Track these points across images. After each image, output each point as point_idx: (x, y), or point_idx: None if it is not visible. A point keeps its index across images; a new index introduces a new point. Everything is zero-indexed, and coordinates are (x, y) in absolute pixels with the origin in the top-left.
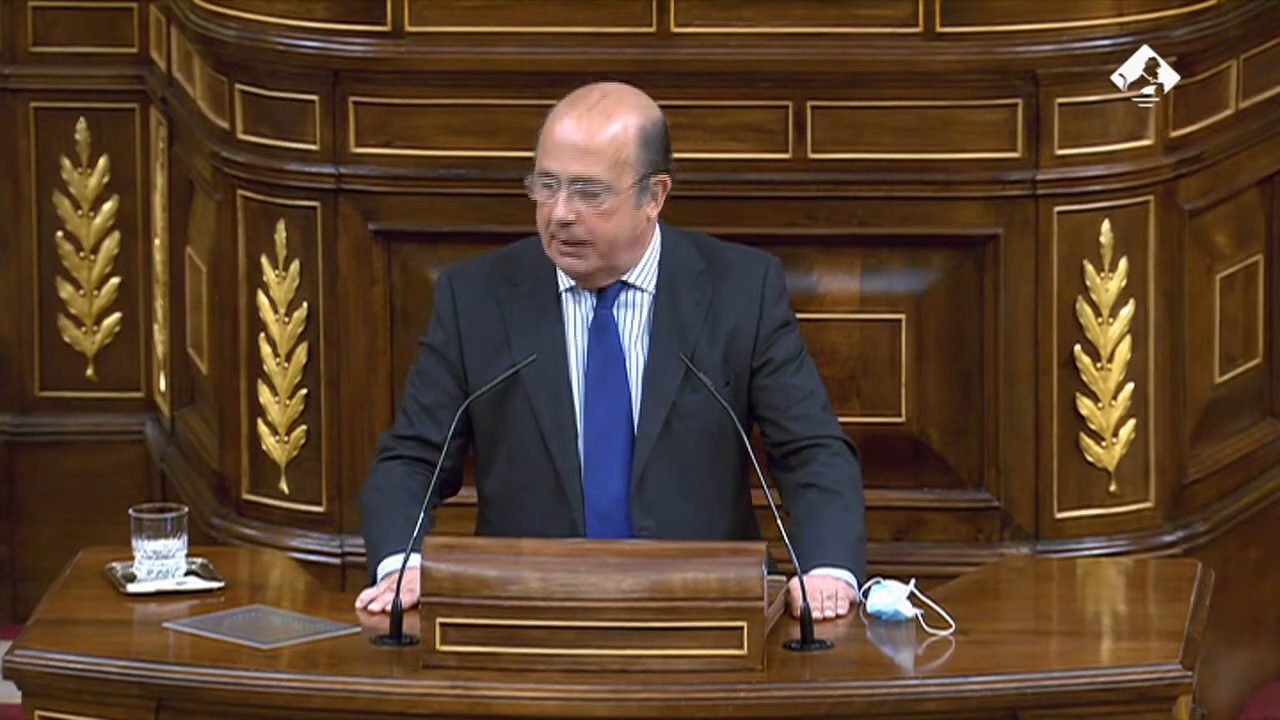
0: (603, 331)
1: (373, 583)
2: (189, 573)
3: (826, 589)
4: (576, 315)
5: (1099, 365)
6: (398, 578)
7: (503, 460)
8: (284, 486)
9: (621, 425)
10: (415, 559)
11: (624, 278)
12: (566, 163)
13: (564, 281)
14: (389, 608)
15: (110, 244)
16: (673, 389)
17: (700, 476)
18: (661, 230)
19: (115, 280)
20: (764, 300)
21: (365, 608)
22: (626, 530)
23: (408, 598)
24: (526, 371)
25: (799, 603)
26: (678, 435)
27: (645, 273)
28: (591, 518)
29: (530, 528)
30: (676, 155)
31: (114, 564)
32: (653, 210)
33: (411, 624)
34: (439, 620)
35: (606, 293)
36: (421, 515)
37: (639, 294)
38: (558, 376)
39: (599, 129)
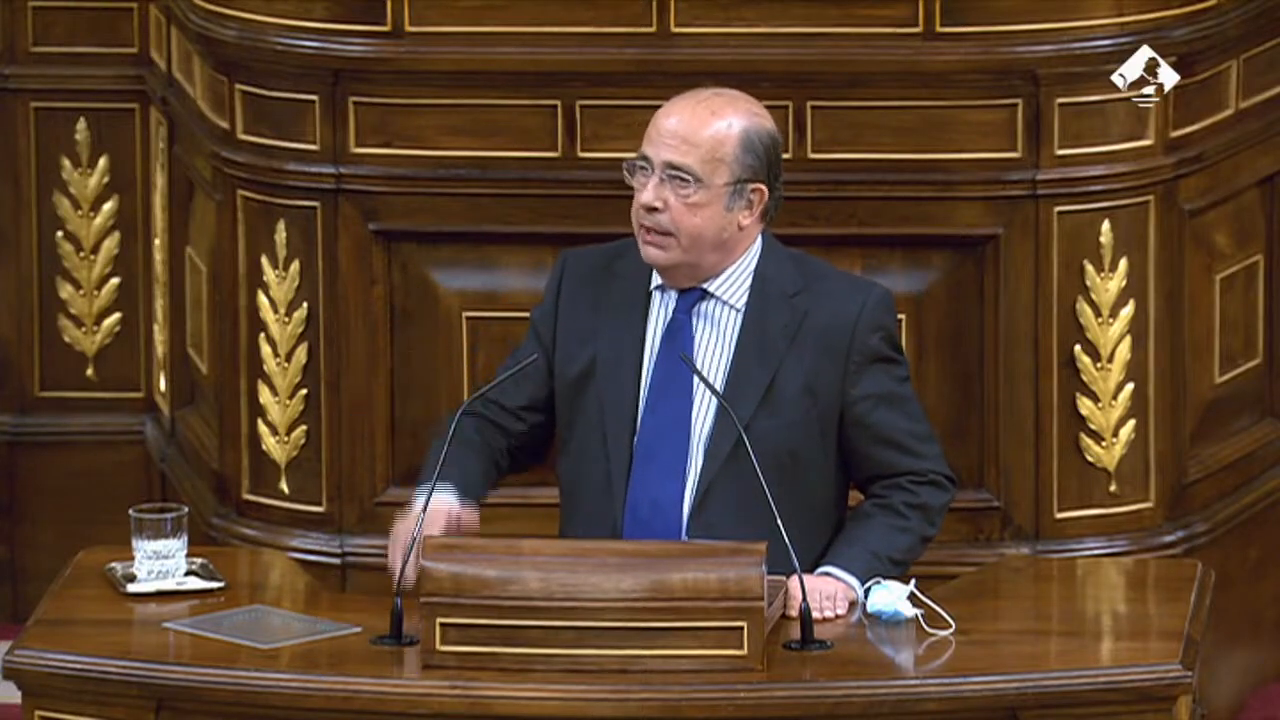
0: (675, 336)
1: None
2: (189, 573)
3: (825, 589)
4: (659, 315)
5: (1099, 365)
6: (409, 540)
7: (573, 449)
8: (284, 486)
9: (678, 434)
10: (443, 498)
11: (706, 286)
12: (662, 149)
13: (655, 279)
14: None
15: (110, 244)
16: (749, 411)
17: (762, 503)
18: (765, 246)
19: (115, 280)
20: (855, 330)
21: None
22: (669, 540)
23: (430, 530)
24: (602, 363)
25: (798, 602)
26: (747, 457)
27: (733, 287)
28: (629, 520)
29: (580, 521)
30: None
31: (114, 564)
32: (745, 219)
33: (411, 624)
34: (439, 620)
35: (686, 297)
36: (471, 461)
37: (723, 308)
38: (628, 373)
39: (702, 122)
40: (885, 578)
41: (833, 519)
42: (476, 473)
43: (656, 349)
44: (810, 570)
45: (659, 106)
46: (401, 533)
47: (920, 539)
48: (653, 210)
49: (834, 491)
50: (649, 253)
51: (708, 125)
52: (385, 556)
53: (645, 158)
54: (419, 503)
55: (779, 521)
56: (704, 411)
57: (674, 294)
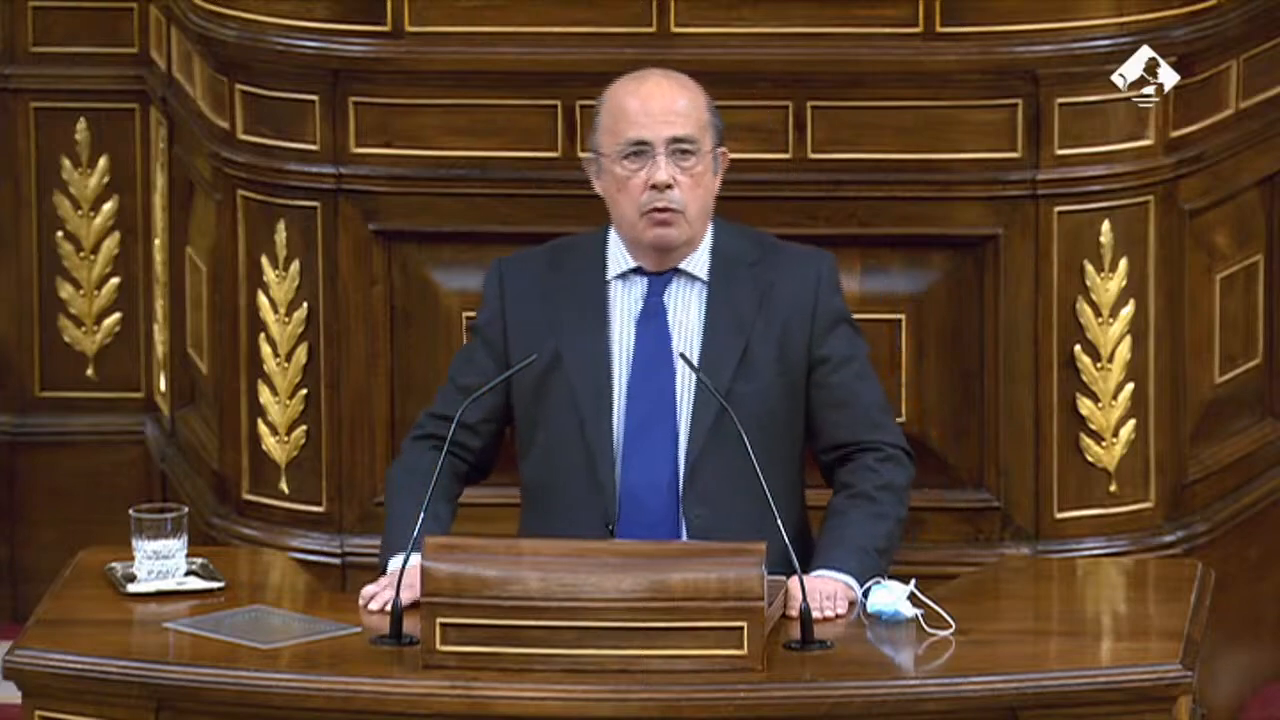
0: (652, 319)
1: (382, 574)
2: (189, 573)
3: (825, 589)
4: (624, 303)
5: (1099, 365)
6: (398, 575)
7: (540, 446)
8: (284, 486)
9: (666, 414)
10: (417, 558)
11: (679, 264)
12: (660, 127)
13: (614, 268)
14: (389, 606)
15: (110, 244)
16: (727, 377)
17: (751, 467)
18: (713, 221)
19: (115, 280)
20: (819, 293)
21: (365, 606)
22: (667, 518)
23: (407, 595)
24: (567, 357)
25: (798, 602)
26: (731, 425)
27: (699, 260)
28: (626, 505)
29: (564, 515)
30: None
31: (114, 564)
32: (716, 184)
33: (411, 624)
34: (439, 620)
35: (660, 278)
36: (424, 511)
37: (692, 282)
38: (599, 363)
39: (679, 93)
40: (877, 570)
41: (798, 484)
42: (446, 521)
43: (631, 336)
44: (795, 537)
45: None
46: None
47: (897, 522)
48: (667, 188)
49: (798, 459)
50: (662, 234)
51: (684, 96)
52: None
53: (642, 141)
54: (397, 562)
55: (762, 483)
56: (687, 389)
57: (641, 280)
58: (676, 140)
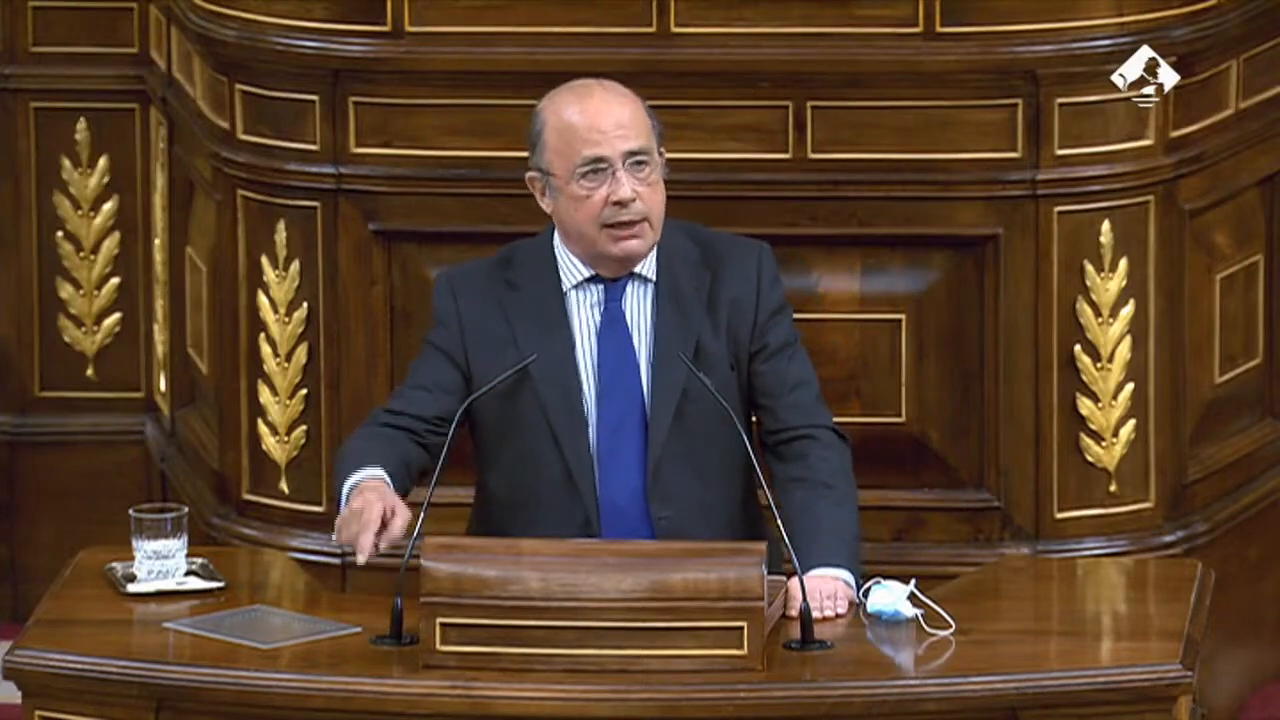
0: (614, 326)
1: (338, 502)
2: (189, 573)
3: (825, 589)
4: (583, 312)
5: (1099, 365)
6: (374, 515)
7: (510, 458)
8: (284, 486)
9: (635, 417)
10: (379, 473)
11: (634, 269)
12: (616, 142)
13: (568, 279)
14: (367, 545)
15: (110, 244)
16: (681, 375)
17: (713, 462)
18: None
19: (115, 280)
20: (760, 284)
21: (353, 549)
22: (644, 522)
23: (392, 520)
24: (535, 370)
25: (798, 602)
26: (690, 422)
27: (648, 262)
28: (606, 512)
29: (541, 525)
30: (677, 155)
31: (114, 564)
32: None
33: (411, 624)
34: (439, 620)
35: (617, 285)
36: (394, 456)
37: (645, 284)
38: (567, 374)
39: (625, 104)
40: (859, 555)
41: (752, 473)
42: (401, 466)
43: (595, 344)
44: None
45: (659, 107)
46: (351, 514)
47: (855, 504)
48: (632, 202)
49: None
50: (631, 247)
51: (628, 106)
52: (382, 556)
53: (599, 158)
54: (350, 484)
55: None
56: (649, 389)
57: (597, 288)
58: (632, 153)
